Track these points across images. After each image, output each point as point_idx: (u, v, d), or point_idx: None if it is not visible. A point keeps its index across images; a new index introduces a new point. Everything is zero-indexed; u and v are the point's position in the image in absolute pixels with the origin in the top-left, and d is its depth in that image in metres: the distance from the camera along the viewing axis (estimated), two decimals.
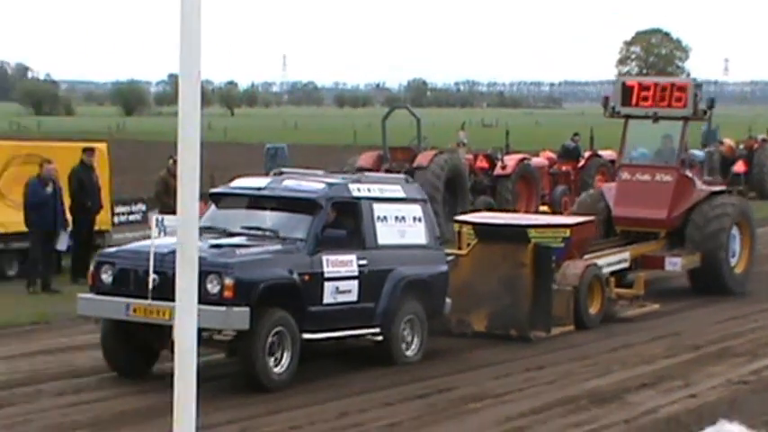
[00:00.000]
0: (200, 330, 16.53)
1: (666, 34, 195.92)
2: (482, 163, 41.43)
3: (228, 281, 16.75)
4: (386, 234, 19.37)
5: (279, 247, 18.12)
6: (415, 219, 20.02)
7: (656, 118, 26.82)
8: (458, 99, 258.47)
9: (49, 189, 25.52)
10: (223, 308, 16.63)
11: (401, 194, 20.05)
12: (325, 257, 18.13)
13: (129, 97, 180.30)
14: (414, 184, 21.16)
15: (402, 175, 21.45)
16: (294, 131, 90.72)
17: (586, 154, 44.66)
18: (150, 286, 16.97)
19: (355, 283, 18.63)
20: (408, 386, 18.75)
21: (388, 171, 36.30)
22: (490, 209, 35.57)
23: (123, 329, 17.80)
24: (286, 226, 18.64)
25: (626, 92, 26.95)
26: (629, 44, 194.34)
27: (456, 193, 36.90)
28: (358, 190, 19.31)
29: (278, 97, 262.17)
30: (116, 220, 32.12)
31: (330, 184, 19.38)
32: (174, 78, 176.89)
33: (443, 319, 20.97)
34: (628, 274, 25.81)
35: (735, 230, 26.69)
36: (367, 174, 21.13)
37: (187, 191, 6.28)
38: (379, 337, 18.97)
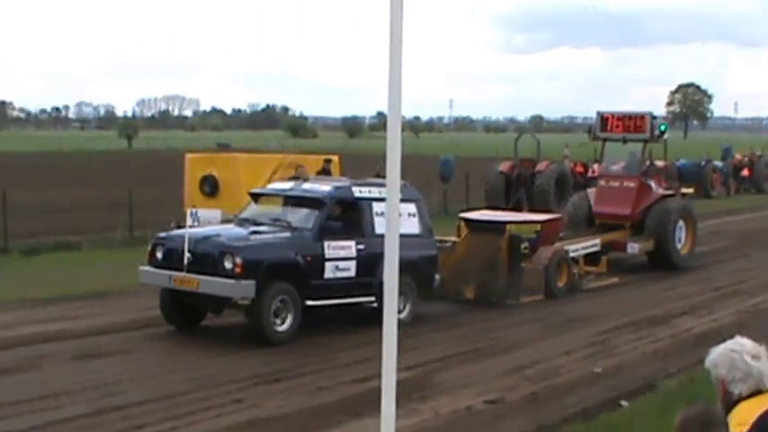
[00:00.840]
0: (227, 298, 15.54)
1: (698, 87, 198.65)
2: (579, 169, 41.82)
3: (239, 259, 15.18)
4: (383, 225, 16.98)
5: (288, 234, 16.26)
6: (409, 214, 17.68)
7: (624, 140, 25.59)
8: (562, 128, 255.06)
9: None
10: (233, 280, 15.13)
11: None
12: (326, 243, 16.21)
13: (352, 127, 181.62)
14: (411, 187, 18.37)
15: (401, 181, 19.20)
16: (457, 148, 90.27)
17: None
18: (185, 262, 15.57)
19: (353, 262, 16.62)
20: (533, 313, 18.89)
21: (518, 175, 36.35)
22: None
23: (175, 294, 16.17)
24: (298, 218, 16.69)
25: (603, 121, 25.74)
26: (673, 93, 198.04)
27: (562, 190, 36.86)
28: (360, 192, 17.23)
29: (446, 126, 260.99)
30: None
31: (336, 187, 17.42)
32: (381, 115, 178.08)
33: (439, 289, 18.56)
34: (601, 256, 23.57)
35: (681, 223, 24.81)
36: (369, 179, 18.56)
37: (392, 190, 6.33)
38: (375, 304, 16.39)
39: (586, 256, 22.75)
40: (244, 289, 15.19)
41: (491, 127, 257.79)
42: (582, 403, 12.62)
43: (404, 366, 12.64)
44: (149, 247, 16.54)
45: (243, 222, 17.05)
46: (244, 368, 14.15)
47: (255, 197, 18.11)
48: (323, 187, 17.41)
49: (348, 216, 16.97)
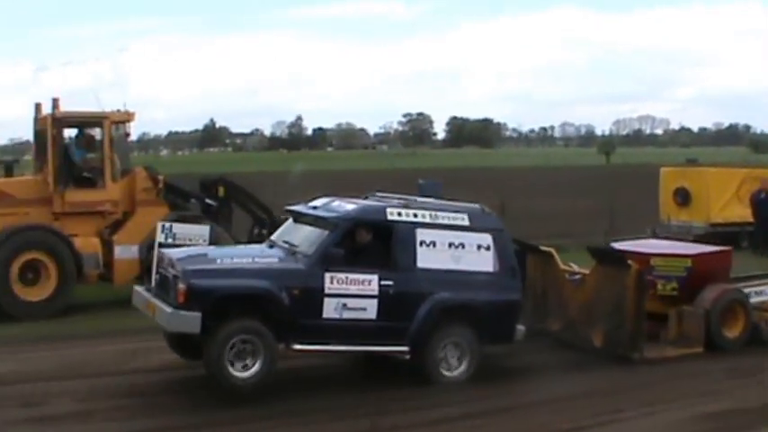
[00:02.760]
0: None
1: None
2: None
3: (182, 286, 11.27)
4: (430, 258, 12.35)
5: (275, 260, 12.05)
6: (480, 247, 12.61)
7: None
8: None
9: (763, 195, 24.64)
10: (169, 309, 11.37)
11: (464, 223, 12.65)
12: (330, 274, 11.76)
13: None
14: (489, 214, 13.20)
15: (477, 205, 13.38)
16: None
17: None
18: (152, 284, 12.42)
19: (373, 301, 11.95)
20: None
21: None
22: None
23: None
24: (306, 242, 12.28)
25: None
26: None
27: None
28: (398, 214, 12.41)
29: None
30: None
31: (363, 208, 12.64)
32: None
33: (568, 333, 14.46)
34: None
35: None
36: (420, 200, 13.46)
37: None
38: (407, 356, 12.24)
39: None
40: (183, 321, 11.30)
41: None
42: None
43: None
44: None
45: (271, 243, 13.06)
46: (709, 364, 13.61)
47: (290, 213, 13.54)
48: (347, 207, 12.72)
49: (376, 244, 12.40)
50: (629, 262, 13.87)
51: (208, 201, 19.83)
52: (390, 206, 12.64)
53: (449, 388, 12.07)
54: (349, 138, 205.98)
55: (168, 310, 11.39)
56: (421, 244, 12.30)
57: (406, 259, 12.23)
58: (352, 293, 11.85)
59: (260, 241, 20.27)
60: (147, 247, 16.43)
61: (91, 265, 17.99)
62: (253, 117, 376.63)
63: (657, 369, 13.24)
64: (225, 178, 20.90)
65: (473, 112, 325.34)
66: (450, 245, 12.49)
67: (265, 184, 29.01)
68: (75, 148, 18.78)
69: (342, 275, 11.82)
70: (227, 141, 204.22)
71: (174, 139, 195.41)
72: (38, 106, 18.92)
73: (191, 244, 12.92)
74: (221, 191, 20.07)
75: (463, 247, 12.56)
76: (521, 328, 12.87)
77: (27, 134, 20.58)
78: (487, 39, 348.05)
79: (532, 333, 14.18)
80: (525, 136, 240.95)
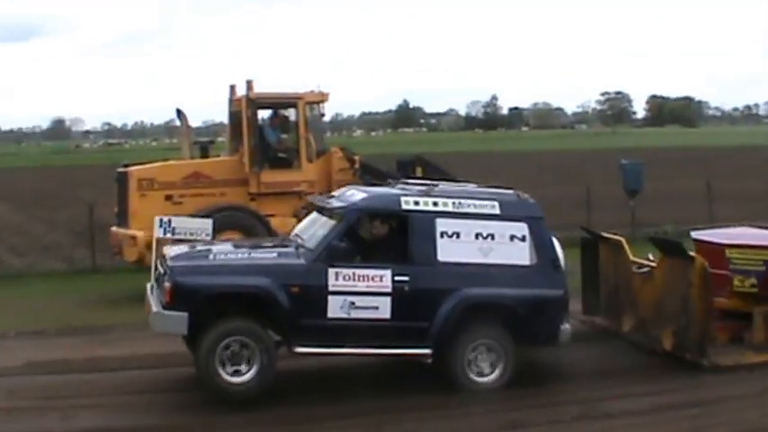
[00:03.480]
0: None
1: None
2: None
3: (168, 285, 10.45)
4: (453, 251, 10.96)
5: (274, 255, 11.09)
6: (514, 237, 11.12)
7: None
8: None
9: None
10: (155, 309, 10.60)
11: (494, 211, 11.14)
12: (333, 270, 10.59)
13: None
14: (525, 201, 11.57)
15: (511, 191, 11.79)
16: None
17: None
18: (151, 282, 11.61)
19: (386, 299, 10.68)
20: None
21: None
22: None
23: None
24: (314, 235, 11.18)
25: None
26: None
27: None
28: (414, 203, 11.07)
29: None
30: None
31: (372, 197, 11.45)
32: None
33: (641, 336, 12.71)
34: None
35: None
36: (444, 187, 11.74)
37: None
38: (429, 359, 10.91)
39: None
40: (168, 322, 10.49)
41: None
42: None
43: None
44: None
45: (284, 237, 12.46)
46: None
47: (311, 206, 12.55)
48: (358, 196, 11.52)
49: (392, 236, 11.48)
50: (693, 255, 12.02)
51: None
52: (406, 194, 11.37)
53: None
54: (545, 117, 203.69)
55: (155, 309, 10.69)
56: (442, 235, 11.01)
57: (424, 252, 10.95)
58: (361, 291, 10.72)
59: None
60: None
61: None
62: (447, 97, 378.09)
63: None
64: (423, 158, 20.42)
65: (673, 91, 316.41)
66: (477, 236, 11.12)
67: (462, 165, 28.55)
68: (269, 129, 18.80)
69: (348, 271, 10.72)
70: (422, 121, 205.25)
71: (367, 120, 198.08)
72: (232, 88, 19.06)
73: (192, 239, 12.19)
74: (419, 171, 19.55)
75: (493, 237, 11.17)
76: (566, 327, 11.37)
77: (220, 116, 20.64)
78: (687, 14, 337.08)
79: (605, 333, 13.47)
80: (729, 114, 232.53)
